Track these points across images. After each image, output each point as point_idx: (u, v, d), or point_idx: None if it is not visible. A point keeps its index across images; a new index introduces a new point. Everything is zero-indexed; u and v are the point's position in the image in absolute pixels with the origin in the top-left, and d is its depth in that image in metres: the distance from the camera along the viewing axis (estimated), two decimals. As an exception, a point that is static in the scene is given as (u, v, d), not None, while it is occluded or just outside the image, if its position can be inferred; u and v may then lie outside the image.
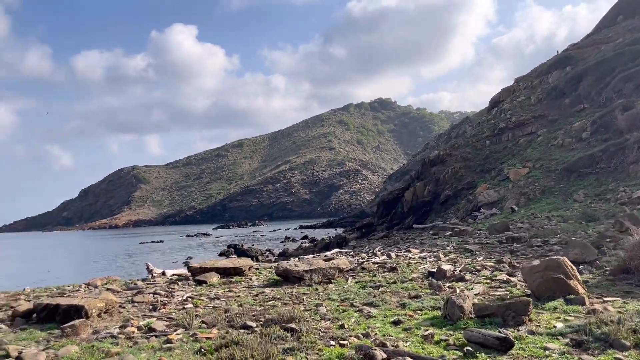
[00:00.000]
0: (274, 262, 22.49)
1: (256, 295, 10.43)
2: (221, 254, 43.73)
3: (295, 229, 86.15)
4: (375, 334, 6.96)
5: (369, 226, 44.72)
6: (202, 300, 10.12)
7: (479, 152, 40.51)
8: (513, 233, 17.93)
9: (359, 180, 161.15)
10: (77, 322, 7.75)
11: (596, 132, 31.59)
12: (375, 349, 5.86)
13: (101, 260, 47.30)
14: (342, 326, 7.44)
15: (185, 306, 9.53)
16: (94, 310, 8.42)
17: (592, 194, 24.93)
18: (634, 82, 33.62)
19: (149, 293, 10.91)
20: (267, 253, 42.32)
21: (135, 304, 9.90)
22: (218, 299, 10.24)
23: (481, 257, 13.90)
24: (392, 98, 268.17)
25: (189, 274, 13.39)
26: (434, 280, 10.50)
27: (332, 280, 11.68)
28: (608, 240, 13.74)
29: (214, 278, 12.52)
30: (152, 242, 71.60)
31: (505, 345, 5.94)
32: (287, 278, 11.83)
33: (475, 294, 9.00)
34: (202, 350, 6.46)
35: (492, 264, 12.52)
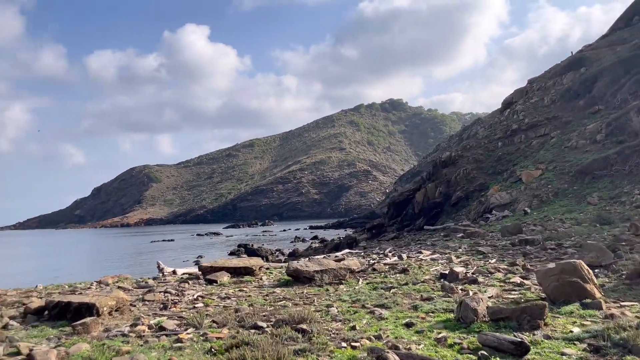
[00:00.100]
0: (284, 262, 22.45)
1: (267, 295, 10.38)
2: (231, 254, 43.86)
3: (305, 229, 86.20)
4: (387, 336, 6.86)
5: (379, 227, 44.54)
6: (213, 299, 10.09)
7: (491, 153, 40.15)
8: (526, 235, 17.70)
9: (369, 181, 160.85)
10: (88, 319, 7.76)
11: (611, 134, 31.18)
12: (387, 352, 5.77)
13: (113, 258, 47.68)
14: (353, 328, 7.36)
15: (196, 305, 9.50)
16: (105, 308, 8.42)
17: (607, 197, 24.58)
18: (650, 83, 33.13)
19: (160, 292, 10.91)
20: (277, 253, 42.38)
21: (146, 302, 9.90)
22: (229, 298, 10.21)
23: (494, 260, 13.73)
24: (404, 99, 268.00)
25: (200, 273, 13.38)
26: (446, 283, 10.37)
27: (343, 281, 11.60)
28: (624, 243, 13.50)
29: (225, 277, 12.49)
30: (163, 240, 72.05)
31: (520, 349, 5.82)
32: (297, 278, 11.77)
33: (489, 297, 8.86)
34: (213, 350, 6.41)
35: (505, 267, 12.35)
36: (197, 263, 29.85)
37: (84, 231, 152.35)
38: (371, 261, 14.88)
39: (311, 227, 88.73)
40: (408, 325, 7.36)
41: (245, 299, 10.03)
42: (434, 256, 15.40)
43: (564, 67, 47.51)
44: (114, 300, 8.75)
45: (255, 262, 13.99)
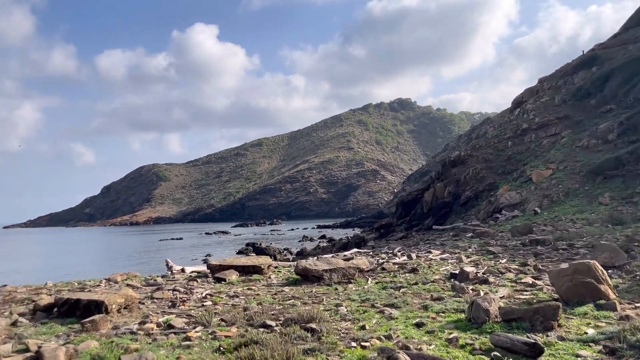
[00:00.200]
0: (292, 261, 22.41)
1: (275, 294, 10.33)
2: (239, 252, 43.89)
3: (313, 228, 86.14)
4: (398, 336, 6.78)
5: (387, 227, 44.37)
6: (221, 297, 10.06)
7: (501, 153, 39.83)
8: (537, 235, 17.51)
9: (377, 181, 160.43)
10: (97, 317, 7.75)
11: (623, 134, 30.81)
12: (398, 352, 5.68)
13: (122, 256, 47.92)
14: (363, 327, 7.28)
15: (204, 303, 9.47)
16: (113, 306, 8.41)
17: (619, 197, 24.28)
18: (663, 82, 32.71)
19: (169, 290, 10.90)
20: (285, 252, 42.33)
21: (155, 300, 9.89)
22: (237, 296, 10.17)
23: (504, 260, 13.58)
24: (412, 98, 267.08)
25: (208, 271, 13.37)
26: (457, 282, 10.26)
27: (351, 281, 11.52)
28: (637, 244, 13.31)
29: (233, 276, 12.46)
30: (172, 239, 72.30)
31: (534, 351, 5.71)
32: (306, 277, 11.70)
33: (501, 297, 8.75)
34: (222, 348, 6.36)
35: (516, 267, 12.20)
36: (205, 261, 29.88)
37: (93, 229, 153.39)
38: (380, 260, 14.78)
39: (319, 227, 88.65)
40: (418, 325, 7.26)
41: (254, 298, 9.99)
42: (443, 256, 15.27)
43: (575, 66, 47.01)
44: (123, 298, 8.73)
45: (263, 260, 13.94)
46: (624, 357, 5.63)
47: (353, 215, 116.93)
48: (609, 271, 10.44)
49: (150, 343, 6.76)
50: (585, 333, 6.49)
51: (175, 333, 7.24)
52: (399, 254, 17.01)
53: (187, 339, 6.86)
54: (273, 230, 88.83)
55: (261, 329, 7.27)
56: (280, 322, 7.64)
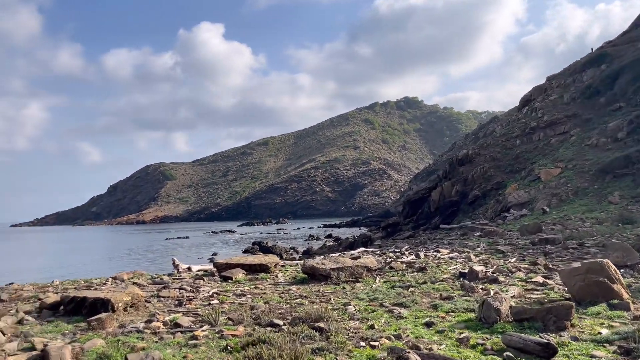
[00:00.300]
0: (299, 260, 22.34)
1: (282, 293, 10.24)
2: (246, 251, 43.89)
3: (319, 227, 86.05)
4: (407, 335, 6.67)
5: (394, 226, 44.18)
6: (228, 296, 9.98)
7: (509, 151, 39.55)
8: (546, 234, 17.33)
9: (384, 180, 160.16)
10: (103, 315, 7.70)
11: (633, 132, 30.49)
12: (408, 352, 5.58)
13: (128, 255, 48.05)
14: (372, 327, 7.17)
15: (211, 302, 9.40)
16: (120, 304, 8.35)
17: (629, 196, 24.01)
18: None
19: (175, 288, 10.85)
20: (292, 251, 42.27)
21: (161, 298, 9.83)
22: (244, 295, 10.09)
23: (514, 259, 13.43)
24: (419, 97, 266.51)
25: (215, 269, 13.32)
26: (466, 282, 10.13)
27: (359, 279, 11.41)
28: (649, 243, 13.09)
29: (240, 274, 12.39)
30: (178, 237, 72.44)
31: (548, 351, 5.58)
32: (313, 276, 11.62)
33: (511, 297, 8.61)
34: (229, 347, 6.28)
35: (526, 266, 12.05)
36: (211, 260, 29.88)
37: (100, 228, 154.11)
38: (388, 259, 14.66)
39: (325, 226, 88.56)
40: (428, 325, 7.15)
41: (261, 296, 9.91)
42: (452, 255, 15.13)
43: (584, 64, 46.60)
44: (129, 296, 8.68)
45: (270, 259, 13.88)
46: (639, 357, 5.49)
47: (359, 215, 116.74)
48: (621, 270, 10.28)
49: (156, 342, 6.69)
50: (599, 333, 6.35)
51: (181, 332, 7.17)
52: (406, 252, 16.88)
53: (194, 337, 6.79)
54: (279, 229, 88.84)
55: (268, 328, 7.18)
56: (288, 321, 7.55)
